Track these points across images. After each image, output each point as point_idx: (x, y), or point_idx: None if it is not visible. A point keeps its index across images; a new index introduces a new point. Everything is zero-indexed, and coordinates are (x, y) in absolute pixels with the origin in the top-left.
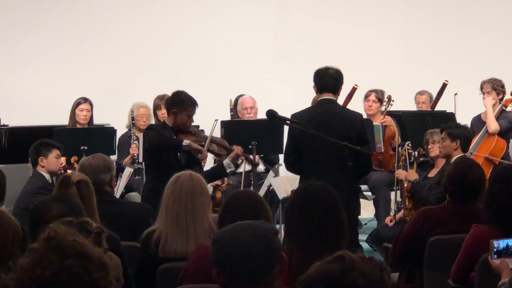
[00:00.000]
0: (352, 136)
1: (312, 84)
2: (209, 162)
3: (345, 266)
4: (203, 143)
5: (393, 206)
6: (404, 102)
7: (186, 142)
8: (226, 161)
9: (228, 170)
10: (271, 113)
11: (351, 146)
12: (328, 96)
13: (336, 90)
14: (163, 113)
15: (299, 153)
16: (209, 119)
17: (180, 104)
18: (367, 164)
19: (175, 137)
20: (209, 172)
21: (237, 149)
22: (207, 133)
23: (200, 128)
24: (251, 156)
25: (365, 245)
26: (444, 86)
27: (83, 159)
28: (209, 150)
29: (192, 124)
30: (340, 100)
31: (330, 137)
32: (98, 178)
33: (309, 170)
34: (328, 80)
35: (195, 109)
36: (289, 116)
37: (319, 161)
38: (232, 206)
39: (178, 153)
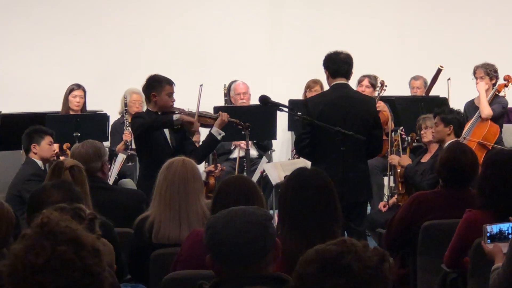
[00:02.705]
0: (368, 120)
1: (303, 70)
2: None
3: (343, 249)
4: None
5: (386, 191)
6: (398, 87)
7: (176, 116)
8: (214, 129)
9: (219, 137)
10: (263, 99)
11: (344, 132)
12: (341, 80)
13: (348, 75)
14: None
15: (313, 138)
16: (203, 104)
17: (157, 85)
18: (379, 148)
19: None
20: (202, 146)
21: (223, 115)
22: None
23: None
24: (241, 143)
25: None
26: (438, 71)
27: (73, 148)
28: (201, 125)
29: (174, 103)
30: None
31: (347, 121)
32: (90, 166)
33: (323, 154)
34: (341, 64)
35: (173, 87)
36: (283, 102)
37: (333, 144)
38: (225, 192)
39: (168, 136)
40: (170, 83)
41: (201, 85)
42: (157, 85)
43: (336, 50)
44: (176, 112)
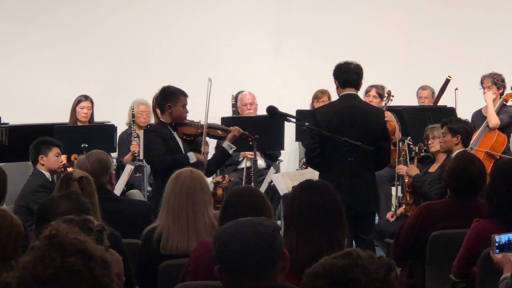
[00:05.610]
0: (376, 131)
1: (310, 79)
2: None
3: (349, 262)
4: (199, 131)
5: (394, 201)
6: (405, 97)
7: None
8: (225, 143)
9: (230, 151)
10: (271, 109)
11: (351, 142)
12: (350, 91)
13: (358, 85)
14: None
15: (322, 148)
16: (210, 115)
17: (173, 97)
18: (387, 159)
19: (173, 132)
20: (213, 159)
21: (234, 129)
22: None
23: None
24: (249, 154)
25: None
26: (447, 81)
27: (79, 163)
28: (211, 136)
29: (187, 115)
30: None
31: (354, 132)
32: (98, 181)
33: (330, 164)
34: (350, 75)
35: (187, 98)
36: (290, 112)
37: (340, 154)
38: (233, 203)
39: (182, 147)
40: (184, 94)
41: (209, 80)
42: (172, 97)
43: (347, 60)
44: (189, 123)
